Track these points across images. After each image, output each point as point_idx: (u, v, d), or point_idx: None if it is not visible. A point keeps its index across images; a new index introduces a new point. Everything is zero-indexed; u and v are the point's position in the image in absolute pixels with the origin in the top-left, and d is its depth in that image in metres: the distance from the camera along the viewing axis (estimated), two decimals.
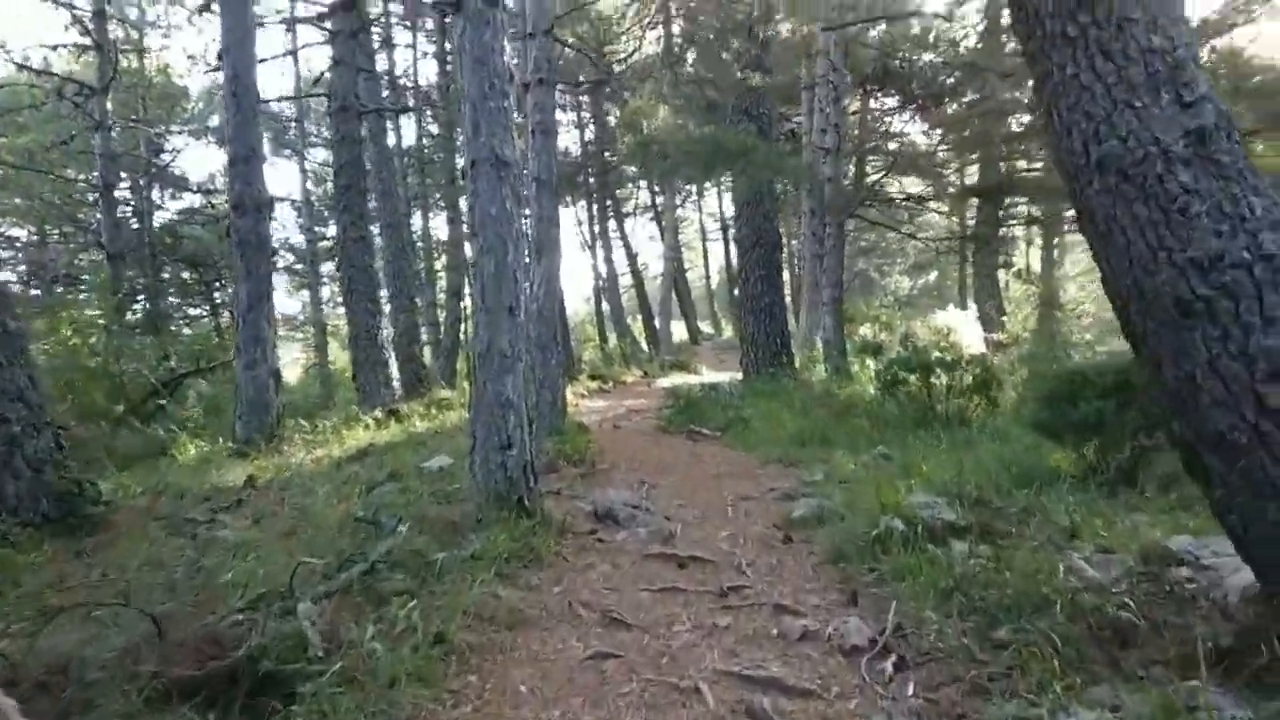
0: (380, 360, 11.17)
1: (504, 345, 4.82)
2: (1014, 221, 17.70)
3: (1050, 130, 3.46)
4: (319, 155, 30.14)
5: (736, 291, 36.82)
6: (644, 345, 30.51)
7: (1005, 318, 19.78)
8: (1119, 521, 4.79)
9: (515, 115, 5.30)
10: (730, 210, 40.97)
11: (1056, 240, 23.88)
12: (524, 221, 5.15)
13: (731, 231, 39.68)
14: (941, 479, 5.84)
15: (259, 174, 9.08)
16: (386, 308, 15.75)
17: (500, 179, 4.91)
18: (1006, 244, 18.10)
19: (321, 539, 4.87)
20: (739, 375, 16.98)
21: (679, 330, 33.37)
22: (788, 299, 15.21)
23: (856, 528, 4.58)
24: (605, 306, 32.03)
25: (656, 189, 35.31)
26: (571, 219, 33.83)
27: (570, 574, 4.30)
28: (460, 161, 30.34)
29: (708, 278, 44.25)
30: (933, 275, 44.11)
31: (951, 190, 16.82)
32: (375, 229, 17.46)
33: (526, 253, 7.16)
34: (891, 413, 8.82)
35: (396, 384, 11.45)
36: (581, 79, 29.51)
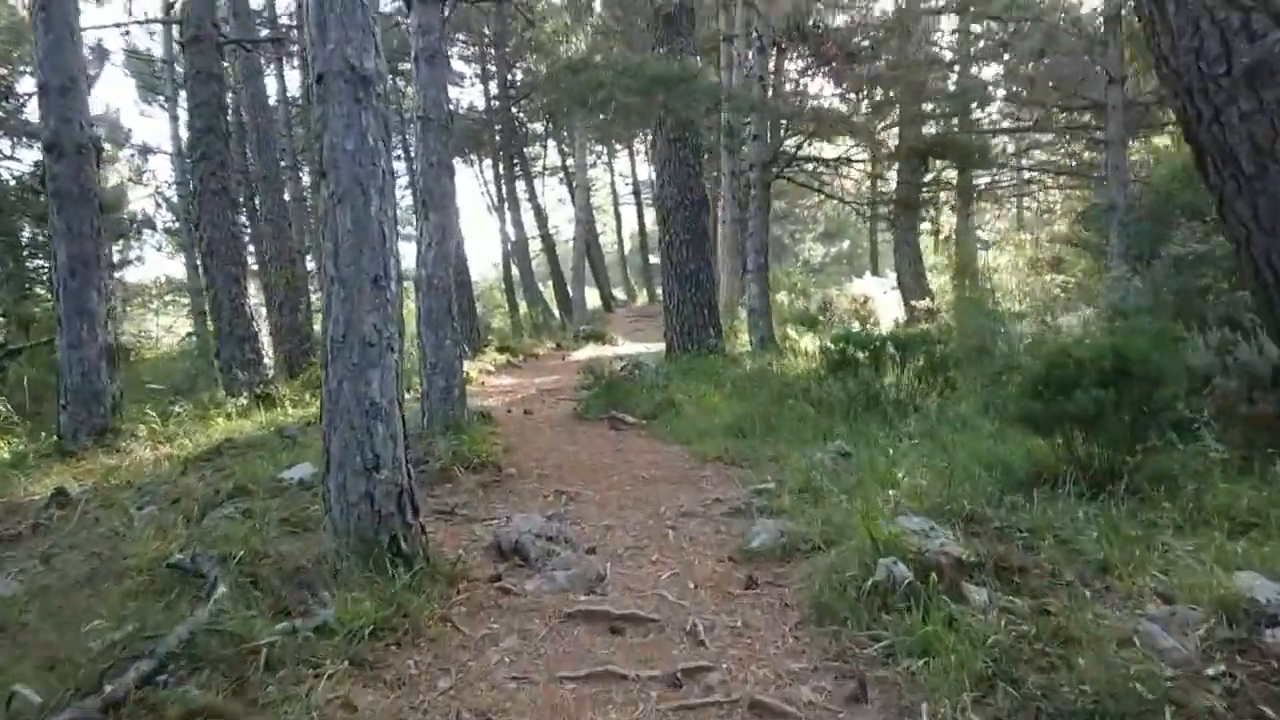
0: (247, 334, 9.55)
1: (367, 329, 3.52)
2: (934, 187, 17.07)
3: (1158, 29, 2.38)
4: None
5: (656, 258, 35.72)
6: (556, 313, 29.17)
7: (930, 289, 19.30)
8: (1151, 546, 3.88)
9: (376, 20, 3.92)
10: (643, 172, 39.85)
11: (972, 207, 23.64)
12: (392, 161, 3.81)
13: (646, 194, 38.54)
14: (920, 486, 4.88)
15: (81, 107, 7.35)
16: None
17: (359, 101, 3.56)
18: (932, 208, 17.49)
19: (117, 598, 3.54)
20: (658, 346, 15.91)
21: (592, 297, 32.06)
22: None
23: (841, 567, 3.52)
24: (515, 272, 30.46)
25: (566, 148, 33.80)
26: (477, 179, 32.15)
27: (461, 654, 3.08)
28: None
29: (620, 243, 43.07)
30: (845, 243, 44.14)
31: (884, 151, 16.01)
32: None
33: (403, 204, 5.82)
34: (837, 396, 7.86)
35: (269, 360, 9.86)
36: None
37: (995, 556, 3.64)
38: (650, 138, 23.79)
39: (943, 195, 16.64)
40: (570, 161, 32.63)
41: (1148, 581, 3.46)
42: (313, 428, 7.45)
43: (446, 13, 6.65)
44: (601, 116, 8.21)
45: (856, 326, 14.94)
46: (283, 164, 24.25)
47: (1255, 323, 7.08)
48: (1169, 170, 10.62)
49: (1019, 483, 5.15)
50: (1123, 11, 10.39)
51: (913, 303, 15.78)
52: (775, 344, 13.46)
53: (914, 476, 5.02)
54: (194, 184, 9.72)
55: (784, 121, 20.24)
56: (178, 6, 9.92)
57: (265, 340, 9.96)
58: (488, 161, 31.14)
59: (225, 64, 11.35)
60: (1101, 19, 10.45)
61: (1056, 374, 5.32)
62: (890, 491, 4.65)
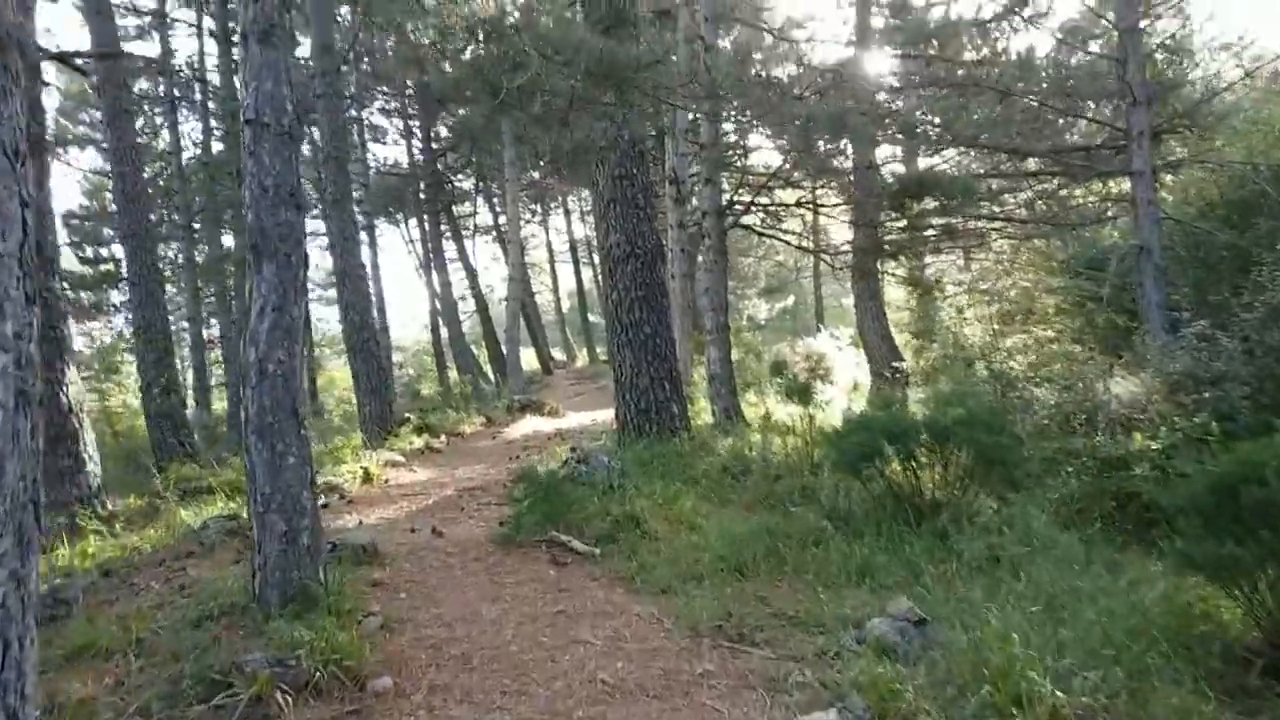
0: (63, 432, 7.11)
1: None
2: (908, 231, 15.44)
3: None
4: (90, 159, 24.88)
5: (595, 315, 33.75)
6: (491, 376, 26.90)
7: (898, 348, 17.61)
8: None
9: None
10: (579, 230, 38.09)
11: (929, 260, 22.23)
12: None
13: (583, 252, 36.72)
14: (1089, 708, 2.85)
15: None
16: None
17: None
18: (911, 255, 15.91)
19: None
20: (605, 415, 13.83)
21: (530, 358, 29.84)
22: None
23: None
24: (445, 335, 28.15)
25: (498, 205, 31.94)
26: (403, 237, 30.21)
27: None
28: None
29: (558, 301, 41.11)
30: (789, 299, 42.89)
31: (851, 195, 14.42)
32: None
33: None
34: (858, 501, 5.86)
35: (93, 467, 7.39)
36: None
37: None
38: (584, 192, 22.08)
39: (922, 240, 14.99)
40: (503, 219, 30.74)
41: None
42: (113, 578, 5.11)
43: None
44: (520, 119, 6.11)
45: (827, 391, 13.11)
46: (172, 219, 21.80)
47: None
48: (1199, 207, 9.08)
49: (1217, 674, 3.23)
50: (1142, 23, 8.91)
51: (893, 364, 14.00)
52: (742, 416, 11.51)
53: (1058, 676, 2.99)
54: None
55: (733, 168, 18.71)
56: None
57: (89, 440, 7.49)
58: (413, 220, 29.21)
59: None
60: (1117, 33, 8.92)
61: (1253, 496, 3.41)
62: None
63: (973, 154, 17.62)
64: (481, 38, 5.03)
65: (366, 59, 24.69)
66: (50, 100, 21.42)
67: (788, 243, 16.49)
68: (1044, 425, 7.92)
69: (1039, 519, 5.33)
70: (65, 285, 23.32)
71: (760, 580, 4.69)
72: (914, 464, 5.59)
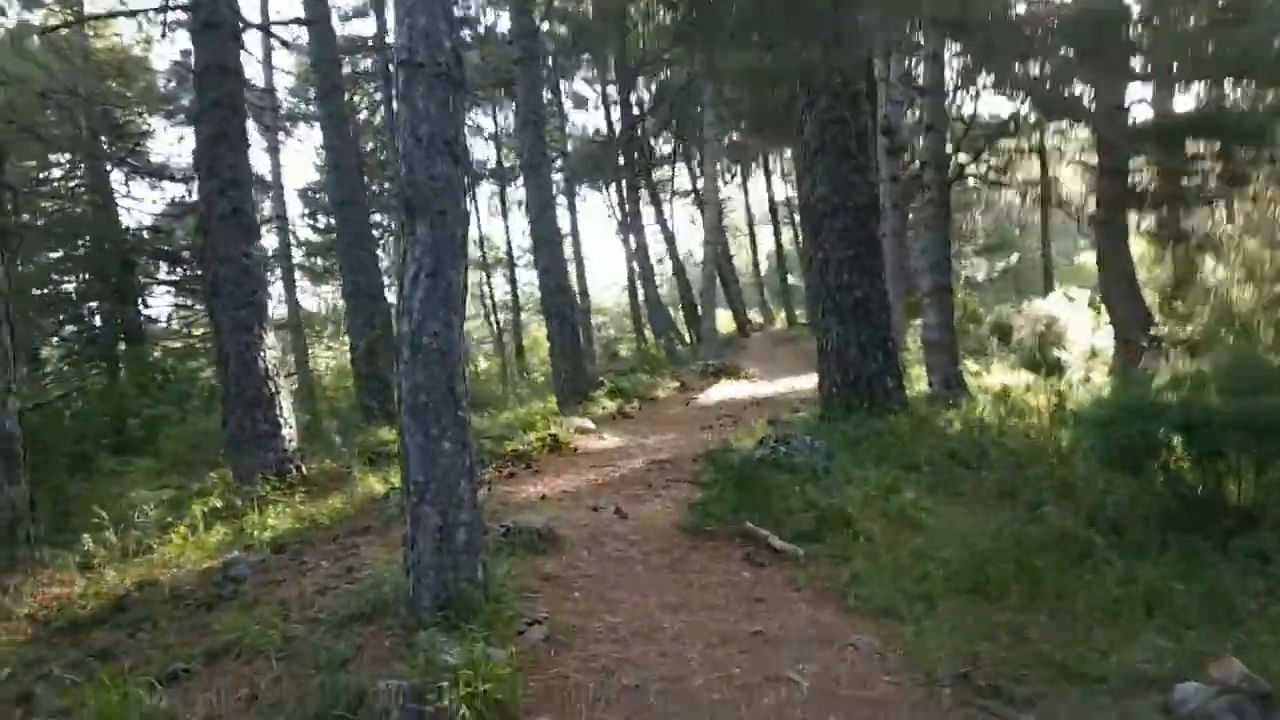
0: (260, 397, 7.27)
1: None
2: (1174, 177, 13.16)
3: None
4: (312, 137, 26.47)
5: (794, 277, 32.50)
6: (686, 337, 26.67)
7: (1149, 313, 15.23)
8: None
9: None
10: (780, 190, 36.61)
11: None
12: None
13: (783, 215, 35.30)
14: None
15: None
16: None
17: None
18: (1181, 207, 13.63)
19: None
20: (804, 383, 12.87)
21: (726, 320, 29.20)
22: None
23: None
24: (641, 296, 28.18)
25: (697, 169, 31.33)
26: (603, 198, 30.59)
27: None
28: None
29: (755, 263, 40.10)
30: (1012, 257, 39.17)
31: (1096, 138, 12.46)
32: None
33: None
34: (1129, 506, 4.68)
35: (288, 431, 7.51)
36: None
37: None
38: (786, 152, 20.93)
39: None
40: (700, 182, 30.14)
41: None
42: (285, 553, 4.98)
43: None
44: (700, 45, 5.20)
45: (1070, 359, 11.39)
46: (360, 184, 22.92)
47: None
48: None
49: None
50: None
51: (1148, 331, 12.01)
52: (964, 386, 10.21)
53: None
54: (200, 207, 7.62)
55: (955, 114, 16.81)
56: None
57: (285, 404, 7.63)
58: (613, 185, 29.33)
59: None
60: None
61: None
62: None
63: (1239, 90, 14.82)
64: None
65: (563, 25, 24.66)
66: (282, 80, 22.99)
67: (1021, 195, 14.65)
68: None
69: None
70: (302, 252, 25.58)
71: (1010, 606, 3.72)
72: (1216, 464, 4.35)
